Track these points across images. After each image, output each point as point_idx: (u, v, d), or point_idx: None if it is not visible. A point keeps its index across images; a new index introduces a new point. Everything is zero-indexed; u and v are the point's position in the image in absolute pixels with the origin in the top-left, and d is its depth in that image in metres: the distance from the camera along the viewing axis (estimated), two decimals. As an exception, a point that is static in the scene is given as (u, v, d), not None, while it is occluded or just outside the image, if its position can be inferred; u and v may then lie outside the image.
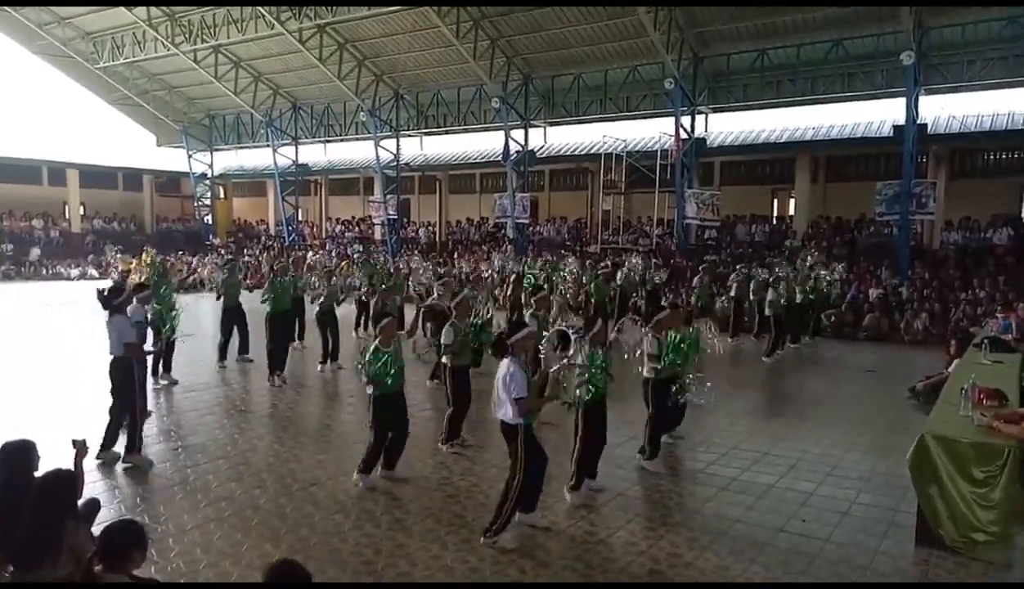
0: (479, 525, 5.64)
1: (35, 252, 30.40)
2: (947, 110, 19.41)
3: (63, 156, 32.07)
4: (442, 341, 7.82)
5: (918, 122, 17.91)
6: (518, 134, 24.26)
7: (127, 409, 7.05)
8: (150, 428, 8.14)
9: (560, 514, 5.89)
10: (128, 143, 34.86)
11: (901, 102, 18.07)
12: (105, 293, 7.49)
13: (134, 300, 8.02)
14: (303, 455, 7.32)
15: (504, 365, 5.32)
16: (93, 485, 5.63)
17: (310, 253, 27.45)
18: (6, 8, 26.80)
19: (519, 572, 4.94)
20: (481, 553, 5.19)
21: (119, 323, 7.19)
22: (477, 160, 28.35)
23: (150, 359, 8.84)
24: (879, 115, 21.15)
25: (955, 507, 5.25)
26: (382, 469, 6.59)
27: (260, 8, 22.46)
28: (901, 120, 18.03)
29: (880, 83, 18.88)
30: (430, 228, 29.95)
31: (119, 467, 6.82)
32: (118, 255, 23.22)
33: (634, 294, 16.34)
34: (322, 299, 11.83)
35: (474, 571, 4.95)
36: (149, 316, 8.81)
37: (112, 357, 7.18)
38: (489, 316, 8.60)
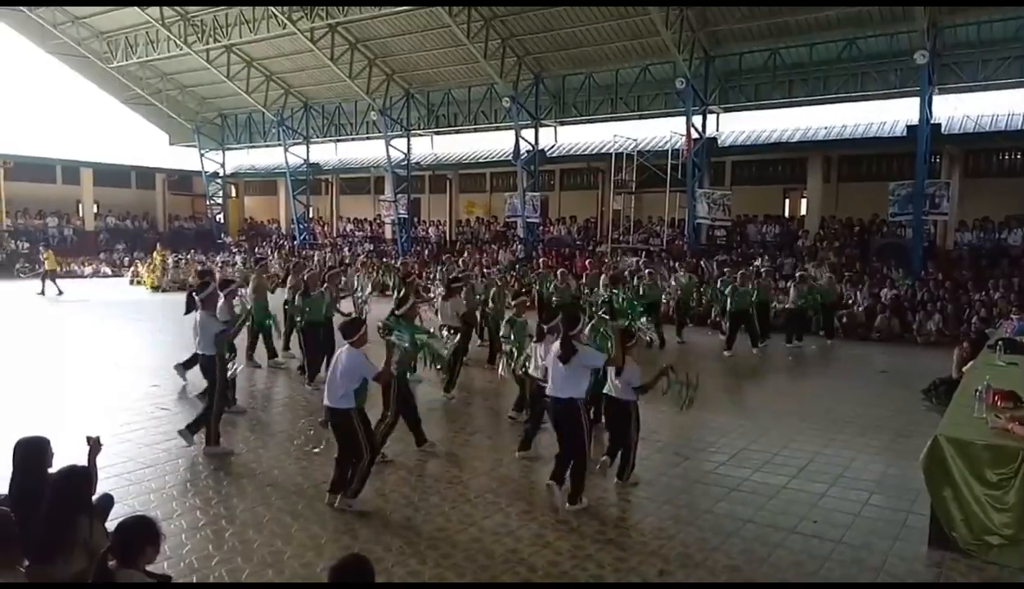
0: (489, 524, 5.66)
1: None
2: (961, 110, 19.27)
3: (77, 155, 32.31)
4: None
5: (932, 122, 17.77)
6: (528, 133, 24.25)
7: (213, 403, 7.30)
8: (162, 426, 8.22)
9: (569, 514, 5.89)
10: (141, 142, 35.12)
11: (914, 102, 17.93)
12: (192, 291, 7.68)
13: (222, 297, 8.23)
14: (315, 453, 7.33)
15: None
16: (106, 481, 5.66)
17: (317, 253, 27.65)
18: (21, 8, 27.04)
19: (529, 571, 4.94)
20: (491, 552, 5.20)
21: (205, 320, 7.33)
22: (488, 159, 28.36)
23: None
24: (892, 115, 21.01)
25: (969, 510, 5.21)
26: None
27: (272, 8, 22.56)
28: (914, 120, 17.89)
29: (893, 82, 18.75)
30: (440, 227, 29.98)
31: (134, 464, 6.87)
32: (46, 251, 23.34)
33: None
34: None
35: (484, 569, 4.95)
36: (238, 310, 8.90)
37: (201, 354, 7.40)
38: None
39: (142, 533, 3.48)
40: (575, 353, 5.82)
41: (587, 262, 21.30)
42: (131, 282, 26.71)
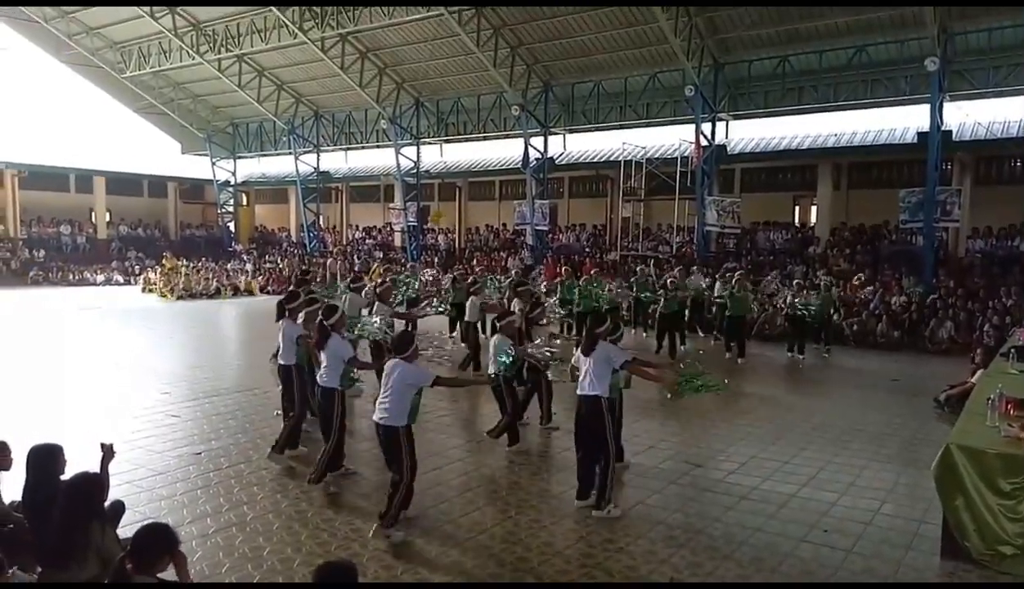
0: (499, 530, 5.67)
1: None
2: (972, 116, 19.14)
3: (90, 164, 32.60)
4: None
5: (943, 128, 17.67)
6: (538, 141, 24.30)
7: (297, 412, 7.36)
8: (173, 433, 8.27)
9: (579, 522, 5.88)
10: (153, 151, 35.42)
11: (925, 108, 17.82)
12: (281, 300, 7.72)
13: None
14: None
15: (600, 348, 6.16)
16: (117, 488, 5.70)
17: (329, 259, 27.79)
18: (37, 19, 27.37)
19: (537, 580, 4.93)
20: (501, 558, 5.20)
21: (288, 328, 7.39)
22: (497, 167, 28.43)
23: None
24: (902, 122, 20.90)
25: (981, 519, 5.17)
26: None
27: (283, 17, 22.72)
28: (925, 126, 17.80)
29: (904, 89, 18.67)
30: (449, 235, 30.05)
31: (145, 471, 6.92)
32: None
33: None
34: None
35: (494, 577, 4.95)
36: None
37: (282, 364, 7.48)
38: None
39: (160, 541, 3.52)
40: (595, 347, 6.12)
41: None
42: (143, 290, 26.88)
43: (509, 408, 7.90)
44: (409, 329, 8.21)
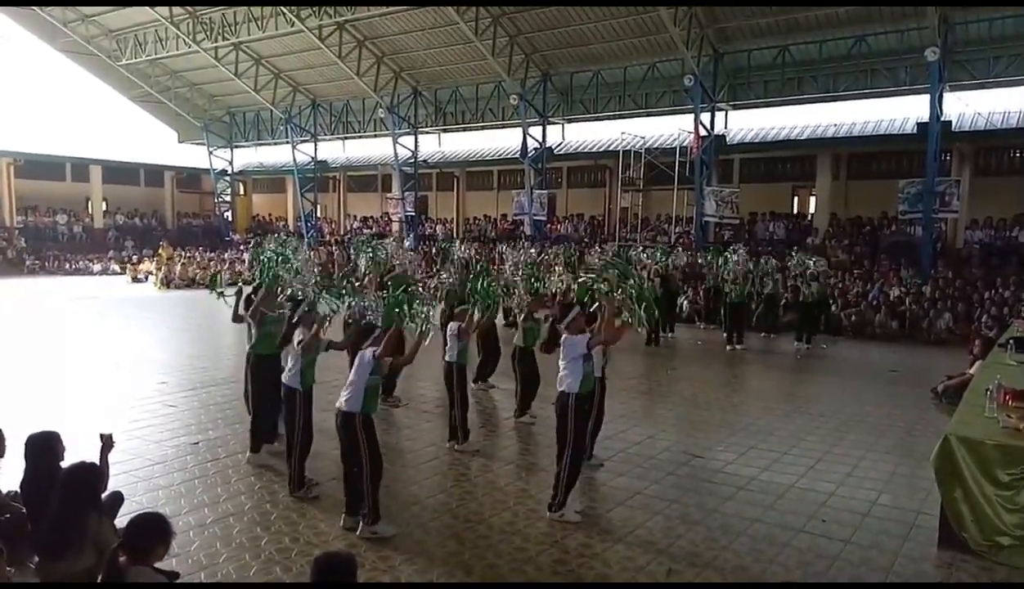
0: (496, 522, 5.66)
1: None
2: (972, 107, 19.10)
3: (86, 152, 32.46)
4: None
5: (942, 119, 17.63)
6: (536, 131, 24.22)
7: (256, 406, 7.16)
8: (170, 423, 8.26)
9: (576, 513, 5.87)
10: (150, 140, 35.29)
11: (925, 99, 17.78)
12: (250, 294, 7.61)
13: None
14: (322, 451, 7.32)
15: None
16: (114, 478, 5.67)
17: (322, 249, 27.69)
18: (32, 7, 27.17)
19: (536, 570, 4.93)
20: (499, 550, 5.19)
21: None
22: (495, 157, 28.35)
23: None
24: (902, 112, 20.86)
25: (980, 510, 5.18)
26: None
27: (280, 5, 22.58)
28: (925, 117, 17.77)
29: (904, 80, 18.61)
30: (447, 225, 30.00)
31: (142, 461, 6.90)
32: None
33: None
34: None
35: (491, 567, 4.95)
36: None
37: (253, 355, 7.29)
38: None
39: (154, 530, 3.50)
40: (557, 343, 5.85)
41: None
42: (133, 279, 26.71)
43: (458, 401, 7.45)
44: None
